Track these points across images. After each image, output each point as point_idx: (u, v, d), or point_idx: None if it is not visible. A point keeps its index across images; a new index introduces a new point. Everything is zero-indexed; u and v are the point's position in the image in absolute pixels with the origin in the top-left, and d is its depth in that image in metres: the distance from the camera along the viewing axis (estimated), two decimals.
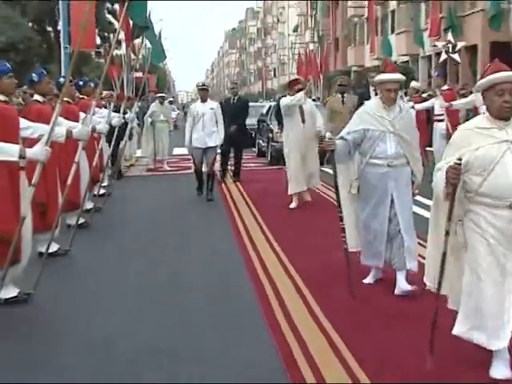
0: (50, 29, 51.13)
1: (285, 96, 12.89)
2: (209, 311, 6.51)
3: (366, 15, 51.24)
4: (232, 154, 16.05)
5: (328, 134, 10.96)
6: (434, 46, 28.66)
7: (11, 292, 6.58)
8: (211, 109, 12.89)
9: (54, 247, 8.14)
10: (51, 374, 5.01)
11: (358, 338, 5.57)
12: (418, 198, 7.80)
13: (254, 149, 23.14)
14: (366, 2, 49.36)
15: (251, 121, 25.19)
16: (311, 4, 68.86)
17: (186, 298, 6.89)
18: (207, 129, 12.78)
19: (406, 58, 43.87)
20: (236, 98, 16.23)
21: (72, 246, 8.78)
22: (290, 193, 12.04)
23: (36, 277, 6.78)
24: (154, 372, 4.99)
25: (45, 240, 7.66)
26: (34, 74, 8.50)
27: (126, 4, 9.92)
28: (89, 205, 11.23)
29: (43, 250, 7.52)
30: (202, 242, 9.69)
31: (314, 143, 11.72)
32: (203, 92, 13.14)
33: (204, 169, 13.25)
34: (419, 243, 7.21)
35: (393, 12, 48.05)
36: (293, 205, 11.99)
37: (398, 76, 6.96)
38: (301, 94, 11.94)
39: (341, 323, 5.91)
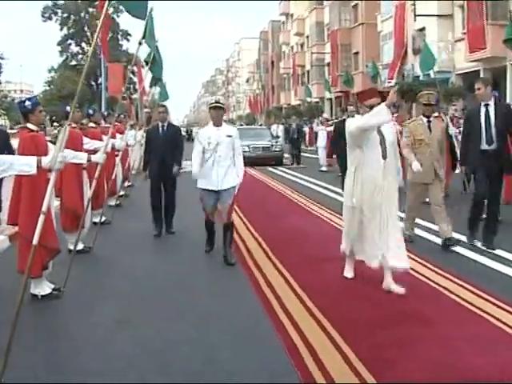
0: (93, 83, 53.14)
1: (353, 116, 6.02)
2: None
3: (291, 72, 52.30)
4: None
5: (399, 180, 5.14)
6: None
7: (80, 246, 6.56)
8: (228, 136, 6.04)
9: (102, 219, 8.10)
10: (113, 289, 5.14)
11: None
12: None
13: None
14: (291, 64, 50.73)
15: None
16: (257, 65, 70.30)
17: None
18: (222, 164, 5.99)
19: (317, 100, 44.30)
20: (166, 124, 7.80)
21: (113, 218, 8.83)
22: (341, 249, 5.33)
23: (94, 236, 6.83)
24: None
25: (98, 214, 7.72)
26: (90, 111, 8.53)
27: (147, 67, 9.59)
28: (121, 192, 11.23)
29: (97, 220, 7.55)
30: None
31: (393, 192, 4.92)
32: (216, 112, 6.04)
33: (217, 218, 6.39)
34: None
35: (308, 71, 48.54)
36: (348, 274, 5.27)
37: None
38: (382, 108, 4.62)
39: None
